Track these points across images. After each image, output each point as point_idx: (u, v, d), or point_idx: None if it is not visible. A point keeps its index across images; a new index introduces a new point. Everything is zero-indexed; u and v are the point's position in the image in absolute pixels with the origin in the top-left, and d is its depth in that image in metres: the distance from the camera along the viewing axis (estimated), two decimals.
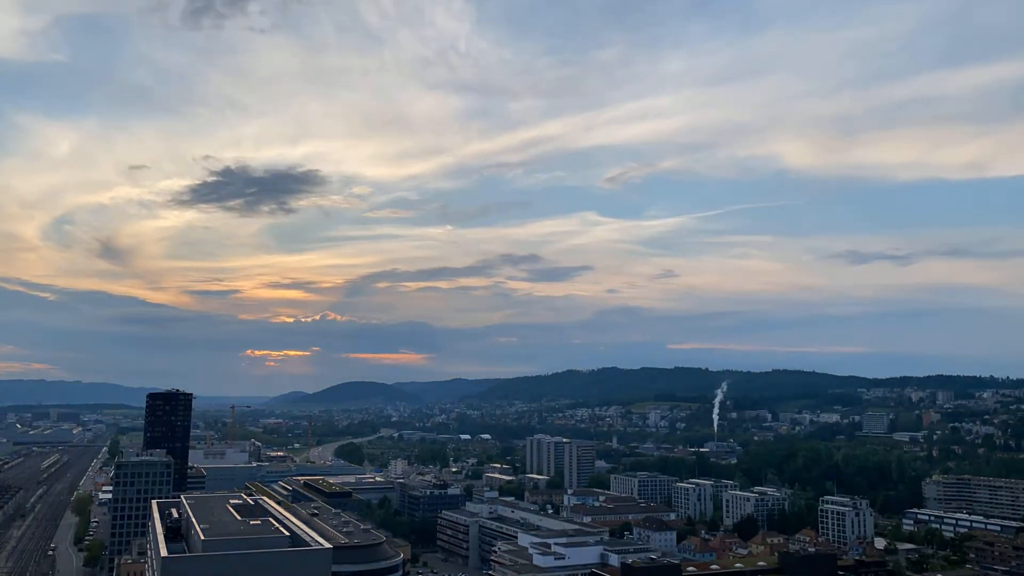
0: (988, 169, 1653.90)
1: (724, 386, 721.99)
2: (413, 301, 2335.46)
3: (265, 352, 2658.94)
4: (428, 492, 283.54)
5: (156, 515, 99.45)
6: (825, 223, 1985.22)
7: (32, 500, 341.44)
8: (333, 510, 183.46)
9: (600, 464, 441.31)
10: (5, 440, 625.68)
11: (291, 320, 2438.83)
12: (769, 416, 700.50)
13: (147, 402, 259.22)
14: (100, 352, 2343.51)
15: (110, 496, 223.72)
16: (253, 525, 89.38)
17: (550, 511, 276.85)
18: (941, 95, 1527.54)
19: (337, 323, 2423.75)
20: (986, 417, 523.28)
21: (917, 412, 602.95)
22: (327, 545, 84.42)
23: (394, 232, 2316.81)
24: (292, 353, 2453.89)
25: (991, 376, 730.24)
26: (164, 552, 77.89)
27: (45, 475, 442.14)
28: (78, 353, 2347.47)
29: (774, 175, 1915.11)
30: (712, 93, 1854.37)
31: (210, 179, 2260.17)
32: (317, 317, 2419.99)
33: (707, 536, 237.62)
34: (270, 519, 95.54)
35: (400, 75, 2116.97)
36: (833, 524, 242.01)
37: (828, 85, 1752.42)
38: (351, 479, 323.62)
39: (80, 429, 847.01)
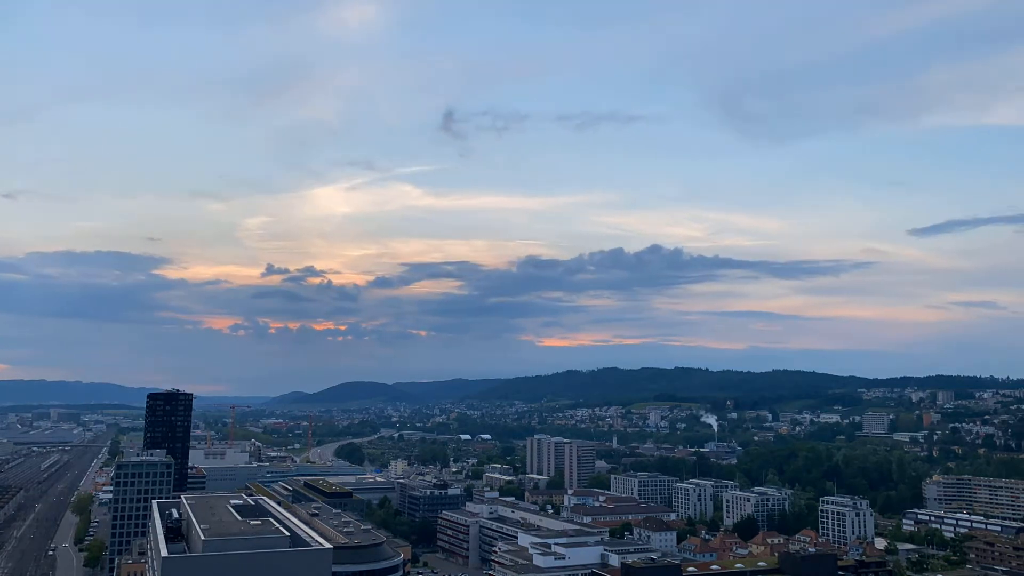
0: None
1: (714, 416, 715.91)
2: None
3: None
4: (428, 492, 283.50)
5: (156, 515, 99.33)
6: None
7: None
8: (333, 510, 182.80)
9: (600, 464, 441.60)
10: (5, 440, 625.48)
11: None
12: (769, 416, 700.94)
13: (147, 402, 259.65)
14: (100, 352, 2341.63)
15: (110, 496, 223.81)
16: (253, 525, 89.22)
17: (550, 511, 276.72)
18: None
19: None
20: (986, 417, 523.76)
21: (917, 412, 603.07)
22: (327, 545, 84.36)
23: None
24: None
25: (991, 376, 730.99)
26: (164, 552, 77.81)
27: (45, 475, 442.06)
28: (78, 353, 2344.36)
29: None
30: None
31: None
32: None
33: (707, 536, 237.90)
34: (270, 519, 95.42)
35: None
36: (833, 524, 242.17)
37: None
38: (351, 479, 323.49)
39: (80, 429, 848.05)
